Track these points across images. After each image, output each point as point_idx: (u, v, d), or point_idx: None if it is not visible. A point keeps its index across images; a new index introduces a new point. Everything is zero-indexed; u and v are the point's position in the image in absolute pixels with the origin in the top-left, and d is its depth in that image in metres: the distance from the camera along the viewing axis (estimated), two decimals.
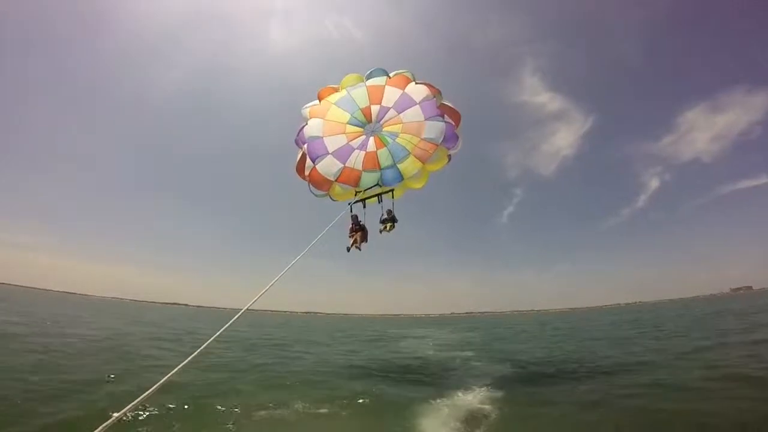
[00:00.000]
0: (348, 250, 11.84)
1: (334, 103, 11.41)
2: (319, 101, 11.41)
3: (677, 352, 15.48)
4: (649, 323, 34.80)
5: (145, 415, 7.90)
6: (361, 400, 10.11)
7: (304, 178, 11.23)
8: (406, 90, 11.21)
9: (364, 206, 11.83)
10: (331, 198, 11.34)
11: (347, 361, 17.77)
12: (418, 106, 10.97)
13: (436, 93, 10.74)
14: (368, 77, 11.38)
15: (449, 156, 11.08)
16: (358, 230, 12.05)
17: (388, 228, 12.33)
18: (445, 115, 10.72)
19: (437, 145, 10.85)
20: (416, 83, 11.10)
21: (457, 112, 10.74)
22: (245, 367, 14.49)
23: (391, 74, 11.31)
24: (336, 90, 11.54)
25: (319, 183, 11.10)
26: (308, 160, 10.96)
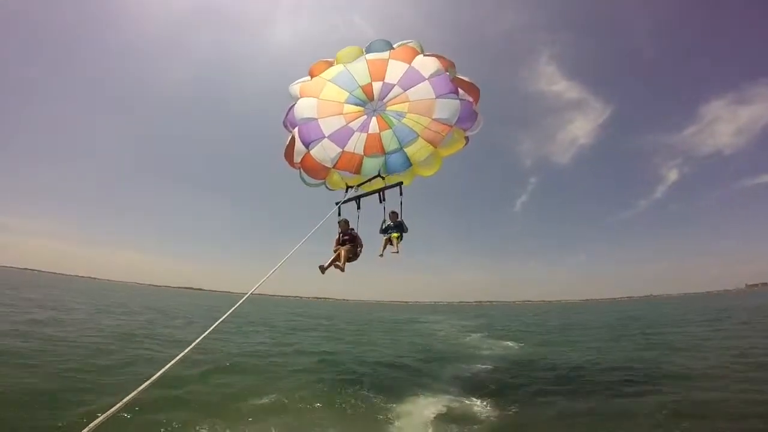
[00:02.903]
0: (322, 270, 8.73)
1: (330, 80, 9.81)
2: (311, 78, 9.83)
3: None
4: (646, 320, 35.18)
5: None
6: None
7: (294, 165, 9.72)
8: (412, 64, 9.57)
9: (359, 206, 9.82)
10: (327, 187, 9.90)
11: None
12: (427, 81, 9.35)
13: (449, 66, 9.10)
14: (369, 50, 9.75)
15: (467, 138, 9.52)
16: (347, 241, 9.30)
17: (395, 243, 9.67)
18: (461, 91, 9.13)
19: (451, 126, 9.30)
20: (425, 55, 9.46)
21: (475, 87, 9.09)
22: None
23: (395, 45, 9.65)
24: (331, 65, 9.95)
25: (314, 170, 9.65)
26: (299, 145, 9.44)
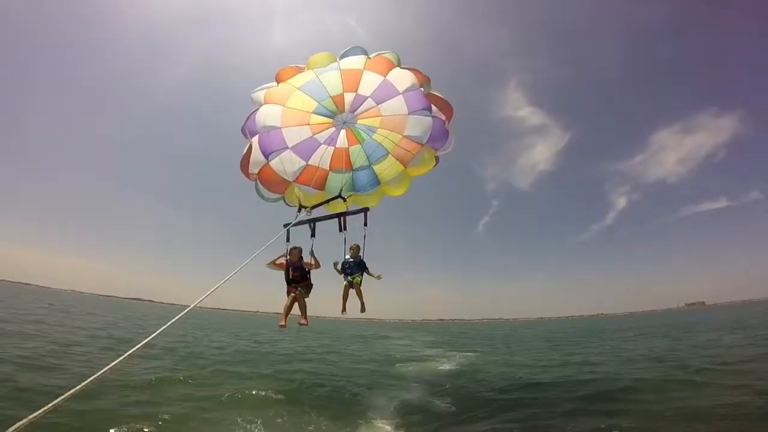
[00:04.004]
0: (282, 327, 7.81)
1: (299, 88, 9.09)
2: (277, 83, 9.08)
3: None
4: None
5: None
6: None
7: (250, 177, 8.76)
8: (388, 77, 9.09)
9: (313, 233, 8.44)
10: (286, 202, 8.97)
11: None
12: (401, 96, 8.87)
13: (424, 81, 8.71)
14: (343, 57, 9.20)
15: (437, 157, 9.08)
16: (298, 279, 8.03)
17: (358, 293, 8.40)
18: (434, 108, 8.74)
19: (422, 145, 8.84)
20: (401, 68, 9.05)
21: (449, 105, 8.74)
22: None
23: (371, 55, 9.15)
24: (301, 71, 9.27)
25: (273, 183, 8.73)
26: (257, 155, 8.54)
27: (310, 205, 8.54)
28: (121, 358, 3.76)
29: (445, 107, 8.74)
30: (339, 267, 8.73)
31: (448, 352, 26.22)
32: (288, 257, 8.25)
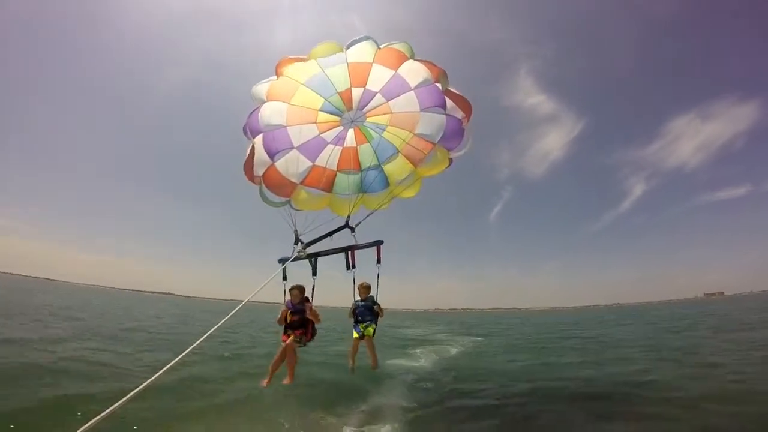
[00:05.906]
0: (265, 383, 6.30)
1: (304, 84, 8.50)
2: (278, 77, 8.51)
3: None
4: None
5: None
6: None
7: (254, 180, 8.26)
8: (399, 71, 8.39)
9: (315, 272, 7.38)
10: (292, 207, 8.49)
11: None
12: (412, 92, 8.17)
13: (440, 75, 8.01)
14: (350, 47, 8.51)
15: (450, 159, 8.46)
16: (296, 324, 6.68)
17: (369, 347, 6.86)
18: (450, 105, 8.07)
19: (434, 144, 8.21)
20: (414, 61, 8.37)
21: (467, 102, 8.05)
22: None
23: (381, 46, 8.46)
24: (303, 62, 8.63)
25: (278, 186, 8.26)
26: (261, 155, 8.06)
27: (304, 243, 7.59)
28: (193, 346, 4.31)
29: (463, 105, 8.07)
30: (350, 312, 7.55)
31: (456, 337, 30.02)
32: (289, 300, 7.08)
